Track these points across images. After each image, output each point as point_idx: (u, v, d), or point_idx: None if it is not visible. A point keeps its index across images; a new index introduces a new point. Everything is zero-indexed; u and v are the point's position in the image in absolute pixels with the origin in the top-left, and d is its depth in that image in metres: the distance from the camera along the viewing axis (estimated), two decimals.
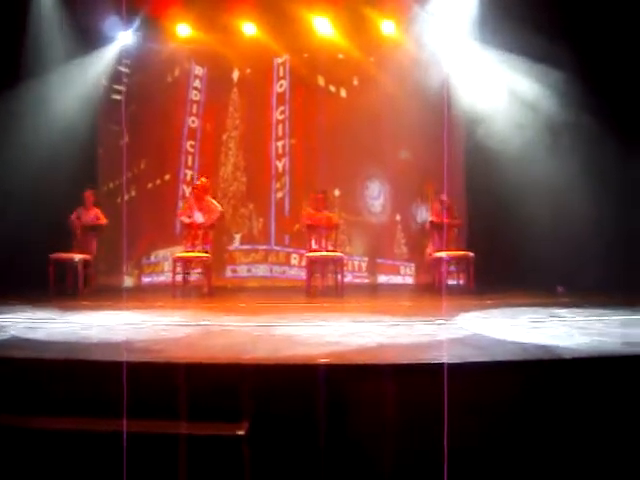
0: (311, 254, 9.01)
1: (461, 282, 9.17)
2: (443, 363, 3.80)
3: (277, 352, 4.45)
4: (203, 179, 9.57)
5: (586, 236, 8.21)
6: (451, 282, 9.21)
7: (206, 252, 8.95)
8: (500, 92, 9.14)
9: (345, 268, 9.42)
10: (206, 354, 4.45)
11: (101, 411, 3.76)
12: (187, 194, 10.56)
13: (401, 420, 3.75)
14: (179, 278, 8.86)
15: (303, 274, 9.37)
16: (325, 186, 10.15)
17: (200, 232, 9.10)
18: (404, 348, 4.61)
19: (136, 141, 10.59)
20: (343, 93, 10.91)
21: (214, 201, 9.41)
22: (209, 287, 8.84)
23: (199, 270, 9.19)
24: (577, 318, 5.88)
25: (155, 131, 10.85)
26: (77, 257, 8.98)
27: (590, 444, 3.75)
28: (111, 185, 10.86)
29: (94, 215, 9.49)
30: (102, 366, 4.04)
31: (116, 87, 10.75)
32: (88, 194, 9.54)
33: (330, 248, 9.11)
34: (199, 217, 9.16)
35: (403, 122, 10.25)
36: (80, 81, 9.81)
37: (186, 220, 9.19)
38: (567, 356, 4.13)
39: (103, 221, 9.45)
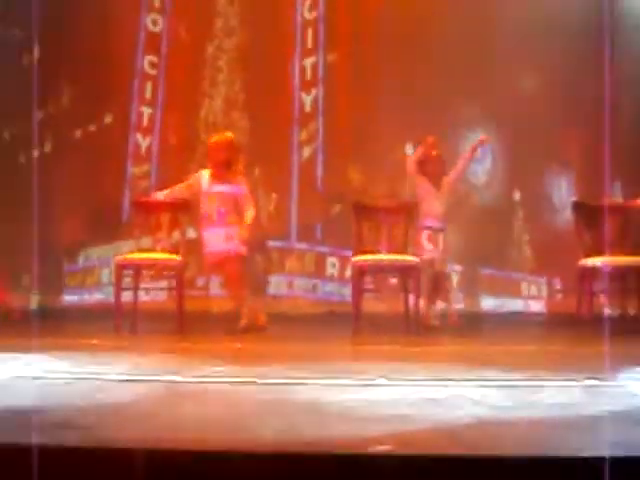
0: (361, 258, 8.99)
1: (631, 312, 9.08)
2: (593, 457, 3.75)
3: (297, 432, 4.42)
4: (228, 133, 9.51)
5: None
6: (611, 311, 9.13)
7: (176, 252, 8.98)
8: None
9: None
10: (171, 434, 4.44)
11: None
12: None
13: None
14: (128, 297, 8.88)
15: (347, 293, 9.36)
16: (392, 138, 10.17)
17: (166, 217, 9.15)
18: (525, 429, 4.56)
19: (54, 56, 10.69)
20: None
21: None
22: (181, 313, 8.87)
23: (163, 284, 9.23)
24: None
25: (88, 39, 10.95)
26: None
27: None
28: (7, 134, 10.97)
29: None
30: None
31: None
32: None
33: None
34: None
35: (532, 23, 10.24)
36: None
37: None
38: None
39: None
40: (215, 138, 9.35)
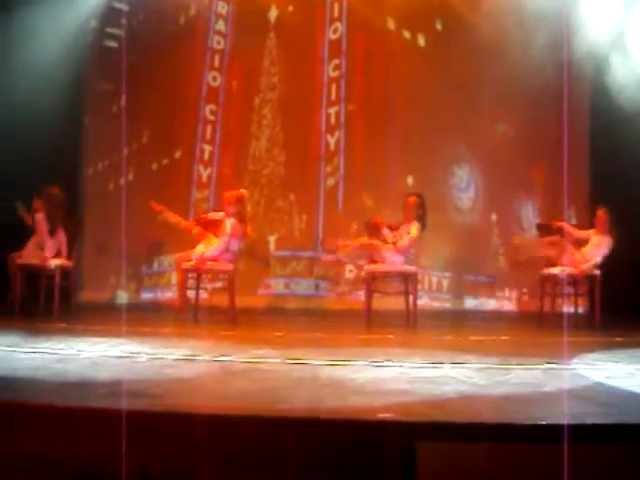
0: (372, 266, 8.98)
1: (581, 310, 9.05)
2: (552, 425, 3.76)
3: (322, 402, 4.45)
4: (242, 190, 9.32)
5: None
6: (567, 310, 9.10)
7: (229, 260, 8.97)
8: None
9: (419, 287, 9.40)
10: (224, 402, 4.47)
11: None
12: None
13: None
14: (190, 295, 8.90)
15: (361, 293, 9.35)
16: (396, 172, 10.16)
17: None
18: (498, 402, 4.57)
19: (137, 105, 10.71)
20: (421, 41, 10.90)
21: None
22: (232, 308, 8.88)
23: (218, 284, 9.24)
24: None
25: (162, 91, 10.98)
26: (54, 263, 9.07)
27: None
28: (100, 166, 11.02)
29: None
30: (79, 413, 4.07)
31: (111, 31, 10.90)
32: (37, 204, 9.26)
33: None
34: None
35: (503, 83, 10.19)
36: (60, 22, 9.93)
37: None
38: None
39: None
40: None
